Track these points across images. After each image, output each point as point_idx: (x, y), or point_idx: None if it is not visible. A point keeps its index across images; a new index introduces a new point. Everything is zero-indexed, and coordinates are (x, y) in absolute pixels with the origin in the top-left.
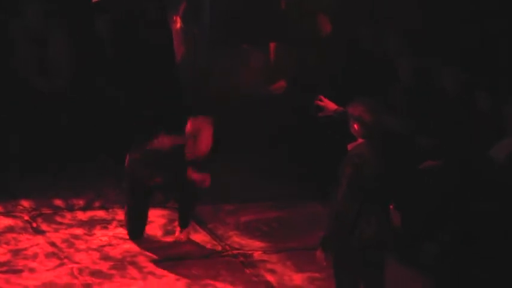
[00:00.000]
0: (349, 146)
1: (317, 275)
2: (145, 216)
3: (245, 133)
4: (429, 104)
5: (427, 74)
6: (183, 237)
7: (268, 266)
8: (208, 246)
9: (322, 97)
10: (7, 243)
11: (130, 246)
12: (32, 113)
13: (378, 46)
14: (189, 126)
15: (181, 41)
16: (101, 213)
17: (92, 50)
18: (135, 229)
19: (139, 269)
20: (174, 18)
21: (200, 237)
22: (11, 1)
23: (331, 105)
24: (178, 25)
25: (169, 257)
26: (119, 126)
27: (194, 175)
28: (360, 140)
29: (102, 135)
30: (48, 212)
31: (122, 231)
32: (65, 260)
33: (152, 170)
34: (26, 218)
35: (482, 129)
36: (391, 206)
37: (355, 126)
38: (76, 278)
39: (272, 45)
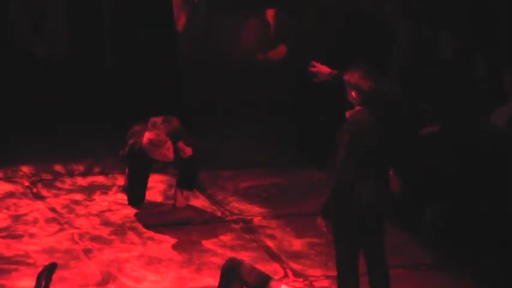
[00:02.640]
0: (348, 113)
1: (316, 240)
2: (146, 183)
3: (244, 99)
4: (428, 69)
5: (425, 39)
6: (182, 200)
7: (268, 231)
8: (208, 211)
9: (314, 62)
10: (7, 209)
11: (130, 212)
12: (31, 79)
13: (376, 11)
14: (145, 137)
15: (181, 8)
16: (100, 179)
17: (91, 16)
18: (136, 196)
19: (139, 234)
20: None
21: (200, 202)
22: None
23: (324, 70)
24: None
25: (169, 223)
26: (118, 92)
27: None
28: (358, 107)
29: (102, 100)
30: (48, 177)
31: (122, 197)
32: (65, 226)
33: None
34: (26, 183)
35: (481, 94)
36: (390, 172)
37: (353, 93)
38: (76, 243)
39: (271, 11)
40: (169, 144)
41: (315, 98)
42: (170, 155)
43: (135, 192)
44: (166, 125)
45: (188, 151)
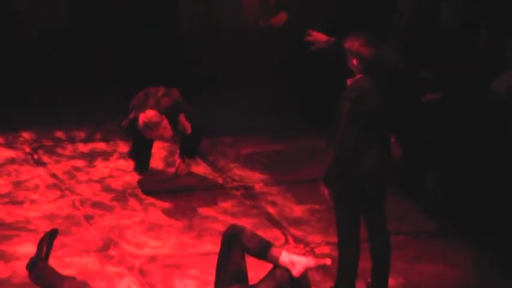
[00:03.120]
0: (348, 81)
1: (317, 206)
2: (150, 151)
3: (244, 66)
4: (429, 38)
5: (426, 9)
6: (183, 167)
7: (269, 198)
8: (209, 178)
9: (311, 31)
10: (8, 175)
11: (132, 178)
12: (32, 47)
13: None
14: (140, 119)
15: None
16: (102, 145)
17: None
18: (140, 163)
19: (140, 200)
20: None
21: (201, 169)
22: None
23: (321, 37)
24: None
25: (171, 189)
26: (119, 59)
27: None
28: (359, 75)
29: (103, 67)
30: (49, 143)
31: (123, 163)
32: (66, 192)
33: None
34: (27, 149)
35: (482, 63)
36: (392, 139)
37: (354, 61)
38: (77, 209)
39: None
40: (165, 123)
41: (314, 66)
42: (167, 134)
43: (140, 159)
44: (165, 100)
45: (188, 128)
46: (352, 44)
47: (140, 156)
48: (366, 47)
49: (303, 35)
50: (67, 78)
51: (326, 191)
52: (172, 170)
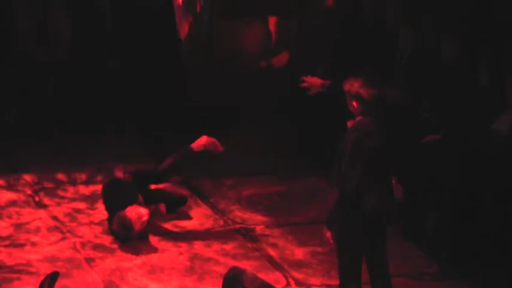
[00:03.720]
0: (349, 123)
1: (319, 249)
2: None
3: (246, 106)
4: (430, 76)
5: (428, 46)
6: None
7: (271, 240)
8: (211, 220)
9: (304, 78)
10: (9, 217)
11: None
12: (32, 84)
13: (378, 18)
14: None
15: (183, 15)
16: None
17: (92, 20)
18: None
19: (142, 243)
20: None
21: (202, 211)
22: None
23: (316, 82)
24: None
25: (172, 232)
26: (120, 99)
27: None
28: (360, 117)
29: (104, 108)
30: (51, 186)
31: None
32: (68, 234)
33: None
34: (29, 192)
35: (484, 102)
36: (393, 180)
37: (354, 103)
38: (78, 252)
39: (273, 18)
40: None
41: (314, 106)
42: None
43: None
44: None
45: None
46: (351, 86)
47: None
48: (366, 89)
49: (298, 81)
50: (67, 118)
51: (328, 234)
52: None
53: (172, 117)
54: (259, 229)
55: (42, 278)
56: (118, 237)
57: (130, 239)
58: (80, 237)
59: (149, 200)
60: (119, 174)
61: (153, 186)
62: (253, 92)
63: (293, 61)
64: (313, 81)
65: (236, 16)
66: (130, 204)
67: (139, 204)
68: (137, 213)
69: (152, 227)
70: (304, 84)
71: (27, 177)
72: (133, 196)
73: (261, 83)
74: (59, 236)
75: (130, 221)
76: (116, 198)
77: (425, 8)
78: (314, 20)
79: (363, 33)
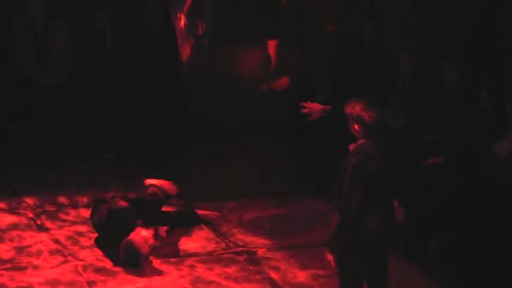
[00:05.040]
0: (351, 146)
1: (321, 272)
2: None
3: (247, 129)
4: (431, 100)
5: (429, 71)
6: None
7: (272, 263)
8: (212, 243)
9: (303, 104)
10: (11, 240)
11: None
12: (34, 108)
13: (379, 43)
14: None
15: (185, 38)
16: None
17: (93, 44)
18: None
19: (144, 266)
20: (178, 15)
21: (204, 234)
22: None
23: (316, 107)
24: (183, 23)
25: (174, 255)
26: (120, 122)
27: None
28: (361, 140)
29: (105, 131)
30: (52, 209)
31: None
32: (69, 257)
33: None
34: (30, 215)
35: (484, 125)
36: (395, 203)
37: (355, 126)
38: (80, 275)
39: (274, 42)
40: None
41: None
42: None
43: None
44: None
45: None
46: (353, 109)
47: None
48: (367, 112)
49: (299, 108)
50: (68, 141)
51: (330, 257)
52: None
53: (172, 139)
54: (261, 252)
55: None
56: (127, 264)
57: (139, 265)
58: (82, 260)
59: (155, 222)
60: (121, 203)
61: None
62: (254, 114)
63: (294, 85)
64: (313, 107)
65: (237, 40)
66: (132, 229)
67: (141, 227)
68: (143, 237)
69: (153, 250)
70: (305, 110)
71: (29, 200)
72: (134, 221)
73: (262, 106)
74: (61, 259)
75: (137, 247)
76: (117, 227)
77: (426, 35)
78: (315, 44)
79: (363, 57)
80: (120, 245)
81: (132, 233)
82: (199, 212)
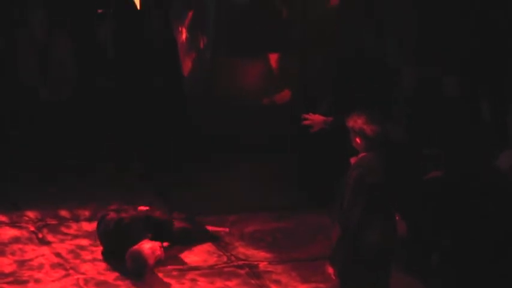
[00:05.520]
0: (352, 160)
1: (322, 285)
2: None
3: (249, 143)
4: (432, 112)
5: (429, 83)
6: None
7: (274, 276)
8: (214, 256)
9: (305, 116)
10: (13, 254)
11: None
12: (36, 122)
13: (381, 57)
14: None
15: (186, 52)
16: None
17: (95, 58)
18: None
19: (145, 280)
20: (180, 29)
21: (205, 247)
22: (15, 11)
23: (317, 119)
24: (184, 36)
25: (175, 268)
26: (123, 136)
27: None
28: (363, 154)
29: (107, 145)
30: (54, 222)
31: None
32: (71, 271)
33: None
34: (32, 228)
35: (485, 138)
36: (396, 216)
37: (357, 139)
38: None
39: (276, 55)
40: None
41: (317, 142)
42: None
43: None
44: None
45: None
46: (355, 122)
47: None
48: (369, 125)
49: (300, 120)
50: (69, 155)
51: (331, 270)
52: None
53: (172, 150)
54: (262, 265)
55: None
56: (132, 273)
57: (144, 275)
58: (83, 273)
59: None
60: (131, 213)
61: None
62: (255, 127)
63: (295, 98)
64: (315, 119)
65: (238, 53)
66: (139, 241)
67: (148, 239)
68: (150, 247)
69: (155, 263)
70: (307, 122)
71: (30, 214)
72: (141, 232)
73: (263, 119)
74: (62, 272)
75: (145, 256)
76: (125, 236)
77: (426, 46)
78: (316, 54)
79: (364, 70)
80: (126, 254)
81: (139, 244)
82: (210, 228)
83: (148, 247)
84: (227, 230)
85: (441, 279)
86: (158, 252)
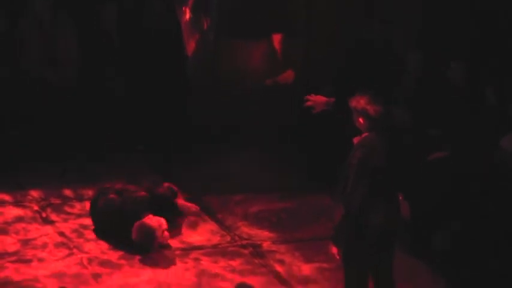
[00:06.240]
0: (355, 140)
1: (326, 265)
2: None
3: (253, 123)
4: (437, 96)
5: (435, 67)
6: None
7: (277, 256)
8: (218, 236)
9: (308, 97)
10: (16, 233)
11: None
12: (41, 104)
13: (386, 41)
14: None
15: (190, 32)
16: None
17: (99, 41)
18: None
19: (149, 259)
20: (184, 9)
21: (209, 227)
22: None
23: (320, 100)
24: (187, 17)
25: (179, 248)
26: (126, 117)
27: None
28: (366, 134)
29: (110, 126)
30: (58, 202)
31: None
32: (74, 250)
33: None
34: (36, 208)
35: (490, 121)
36: (400, 197)
37: (360, 119)
38: (85, 268)
39: (279, 36)
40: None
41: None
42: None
43: None
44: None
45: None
46: (358, 102)
47: None
48: (372, 105)
49: (302, 101)
50: (74, 136)
51: (335, 250)
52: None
53: (178, 135)
54: (266, 245)
55: None
56: (139, 247)
57: (151, 248)
58: (87, 253)
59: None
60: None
61: None
62: (259, 109)
63: (298, 80)
64: (317, 100)
65: (242, 34)
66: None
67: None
68: (157, 220)
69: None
70: (309, 103)
71: (34, 193)
72: (147, 207)
73: (267, 100)
74: (66, 252)
75: (152, 229)
76: (130, 212)
77: (433, 32)
78: (320, 40)
79: (370, 53)
80: (133, 227)
81: (148, 217)
82: (180, 202)
83: (155, 220)
84: (197, 207)
85: (445, 260)
86: (165, 226)
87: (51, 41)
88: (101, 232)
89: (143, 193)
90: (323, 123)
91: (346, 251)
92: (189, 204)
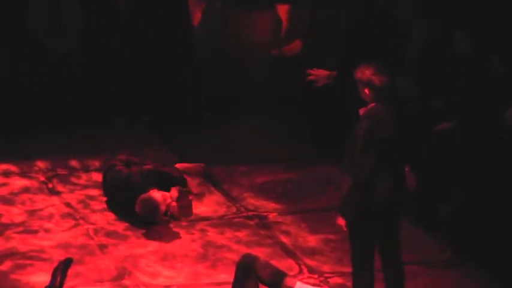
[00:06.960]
0: (361, 111)
1: (332, 236)
2: None
3: (259, 94)
4: (443, 66)
5: (441, 37)
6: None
7: (283, 227)
8: (223, 207)
9: (310, 71)
10: (23, 204)
11: None
12: (46, 74)
13: (392, 10)
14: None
15: (196, 3)
16: None
17: (103, 11)
18: None
19: (155, 230)
20: None
21: (215, 198)
22: None
23: (322, 73)
24: None
25: (185, 219)
26: (133, 87)
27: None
28: (372, 104)
29: (117, 96)
30: (64, 172)
31: None
32: (81, 221)
33: None
34: (42, 178)
35: (495, 93)
36: (406, 168)
37: (366, 90)
38: (91, 238)
39: (286, 6)
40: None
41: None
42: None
43: None
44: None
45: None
46: (363, 73)
47: None
48: (377, 76)
49: (305, 75)
50: (80, 106)
51: (341, 221)
52: (185, 200)
53: (184, 107)
54: (272, 216)
55: (55, 264)
56: (143, 219)
57: (155, 221)
58: (93, 224)
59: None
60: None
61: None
62: (264, 80)
63: (306, 50)
64: (319, 73)
65: (248, 4)
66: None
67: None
68: (162, 194)
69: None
70: (311, 77)
71: (41, 164)
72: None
73: (272, 71)
74: (72, 222)
75: (156, 202)
76: (136, 188)
77: (438, 4)
78: (327, 9)
79: (375, 24)
80: (137, 200)
81: (152, 190)
82: (181, 166)
83: (159, 194)
84: (203, 165)
85: (451, 230)
86: (169, 200)
87: (55, 10)
88: (112, 204)
89: (149, 166)
90: (325, 96)
91: (353, 222)
92: (192, 165)
